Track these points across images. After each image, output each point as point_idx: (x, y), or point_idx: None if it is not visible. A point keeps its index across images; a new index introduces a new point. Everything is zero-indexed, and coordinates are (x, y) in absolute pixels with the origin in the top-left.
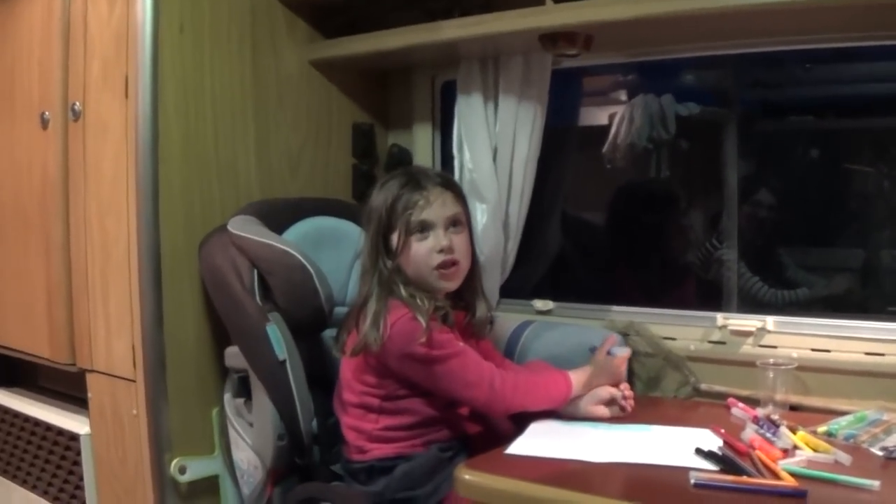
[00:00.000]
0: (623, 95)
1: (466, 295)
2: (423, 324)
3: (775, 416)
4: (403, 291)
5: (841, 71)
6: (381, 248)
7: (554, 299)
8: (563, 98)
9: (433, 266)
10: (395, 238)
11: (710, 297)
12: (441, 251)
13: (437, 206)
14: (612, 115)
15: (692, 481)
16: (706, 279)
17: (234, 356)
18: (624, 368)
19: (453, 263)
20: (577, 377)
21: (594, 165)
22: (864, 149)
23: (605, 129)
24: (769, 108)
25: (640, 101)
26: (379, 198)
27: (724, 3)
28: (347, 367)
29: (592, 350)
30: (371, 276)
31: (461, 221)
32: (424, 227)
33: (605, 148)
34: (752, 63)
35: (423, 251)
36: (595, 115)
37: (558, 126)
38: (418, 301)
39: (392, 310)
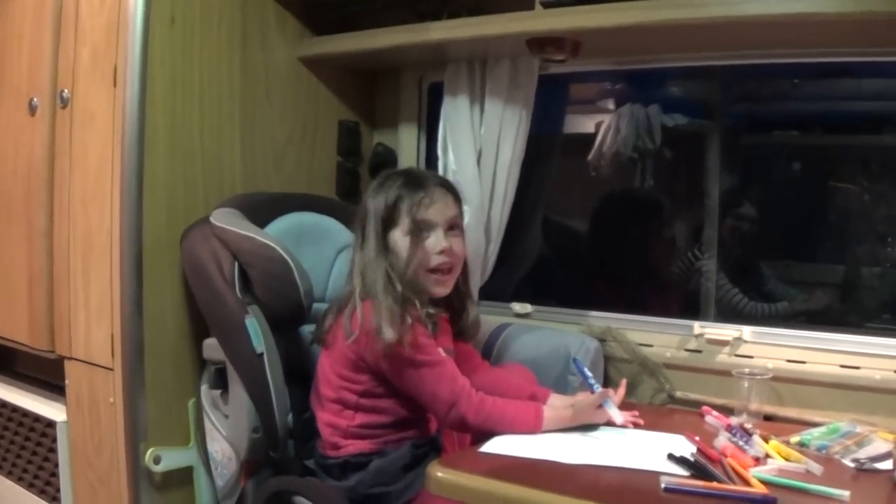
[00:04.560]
0: (610, 104)
1: (455, 299)
2: (405, 315)
3: (749, 425)
4: (396, 290)
5: (828, 87)
6: (381, 246)
7: (533, 303)
8: (550, 105)
9: (430, 267)
10: (393, 235)
11: (690, 307)
12: (441, 252)
13: (439, 206)
14: (598, 123)
15: (663, 485)
16: (687, 289)
17: (212, 348)
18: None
19: (450, 269)
20: (551, 416)
21: (579, 173)
22: (847, 166)
23: (591, 137)
24: (755, 122)
25: (626, 111)
26: (379, 196)
27: (711, 13)
28: (325, 361)
29: (574, 363)
30: (363, 273)
31: (458, 225)
32: (427, 227)
33: (591, 156)
34: (739, 76)
35: (423, 251)
36: (582, 124)
37: (544, 132)
38: (408, 301)
39: (375, 305)
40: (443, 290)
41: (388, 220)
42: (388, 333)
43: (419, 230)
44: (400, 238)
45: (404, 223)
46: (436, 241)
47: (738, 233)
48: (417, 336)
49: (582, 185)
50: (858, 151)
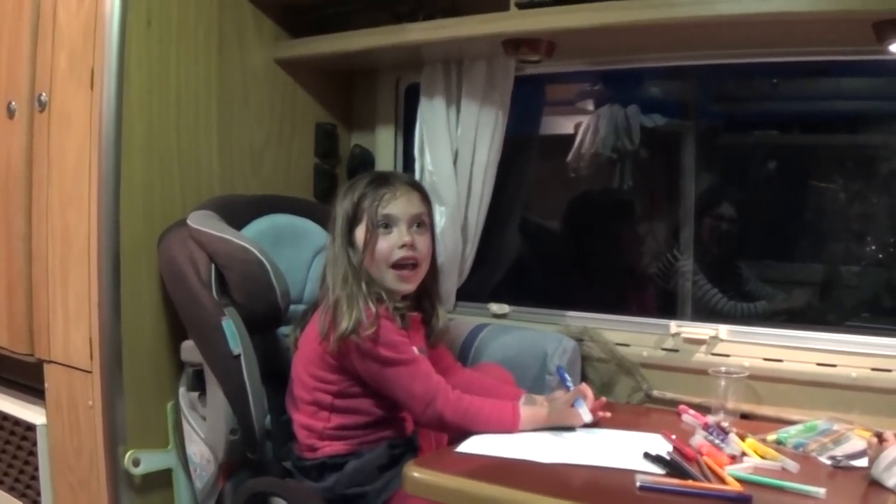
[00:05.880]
0: (589, 105)
1: (425, 302)
2: (374, 312)
3: (725, 424)
4: (364, 288)
5: (806, 87)
6: (346, 244)
7: (510, 303)
8: (528, 106)
9: (393, 262)
10: (359, 232)
11: (667, 307)
12: (403, 246)
13: (402, 202)
14: (577, 124)
15: (638, 484)
16: (665, 289)
17: (189, 350)
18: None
19: (414, 264)
20: (528, 414)
21: (558, 174)
22: (826, 165)
23: (570, 139)
24: (733, 122)
25: (605, 112)
26: (346, 197)
27: (684, 13)
28: (299, 363)
29: (558, 371)
30: (332, 271)
31: (425, 223)
32: (389, 222)
33: (570, 157)
34: (717, 76)
35: (385, 246)
36: (561, 125)
37: (522, 133)
38: (376, 299)
39: (353, 303)
40: (406, 286)
41: (353, 219)
42: (343, 324)
43: (383, 226)
44: (366, 234)
45: (368, 220)
46: (398, 235)
47: (716, 233)
48: (389, 333)
49: (561, 186)
50: (837, 151)
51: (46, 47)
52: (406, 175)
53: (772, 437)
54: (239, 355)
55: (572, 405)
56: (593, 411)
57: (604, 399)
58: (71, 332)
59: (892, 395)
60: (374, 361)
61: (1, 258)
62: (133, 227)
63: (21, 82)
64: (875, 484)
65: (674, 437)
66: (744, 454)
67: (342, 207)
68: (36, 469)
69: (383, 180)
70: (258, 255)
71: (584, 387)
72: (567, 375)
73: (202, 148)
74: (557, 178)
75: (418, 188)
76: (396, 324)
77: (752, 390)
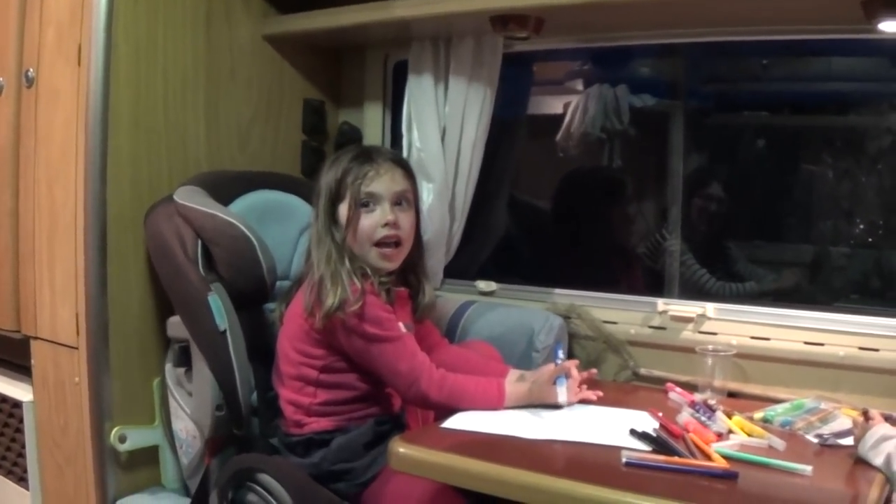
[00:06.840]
0: (579, 85)
1: (411, 278)
2: (360, 288)
3: (712, 402)
4: (348, 265)
5: (796, 67)
6: (330, 221)
7: (497, 281)
8: (517, 85)
9: (375, 240)
10: (342, 209)
11: (654, 286)
12: (385, 225)
13: (386, 180)
14: (566, 104)
15: (623, 460)
16: (652, 268)
17: (176, 326)
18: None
19: (396, 242)
20: (512, 391)
21: (547, 153)
22: (814, 146)
23: (559, 118)
24: (723, 102)
25: (595, 92)
26: (330, 171)
27: None
28: (284, 338)
29: (555, 346)
30: (317, 248)
31: (409, 200)
32: (371, 200)
33: (559, 136)
34: (707, 57)
35: (368, 224)
36: (550, 104)
37: (512, 112)
38: (361, 274)
39: (322, 276)
40: (389, 264)
41: (337, 195)
42: (328, 301)
43: (365, 204)
44: (349, 212)
45: (351, 197)
46: (381, 213)
47: (705, 213)
48: (375, 310)
49: (551, 165)
50: (826, 132)
51: (34, 23)
52: (390, 150)
53: (759, 415)
54: (225, 331)
55: (554, 383)
56: (582, 383)
57: (594, 371)
58: (57, 308)
59: (879, 374)
60: (360, 338)
61: None
62: (120, 203)
63: (8, 58)
64: (861, 462)
65: (660, 414)
66: (730, 432)
67: (326, 182)
68: (22, 446)
69: (367, 156)
70: (245, 230)
71: (569, 364)
72: (561, 353)
73: (189, 124)
74: (546, 157)
75: (402, 164)
76: (382, 299)
77: (739, 368)
